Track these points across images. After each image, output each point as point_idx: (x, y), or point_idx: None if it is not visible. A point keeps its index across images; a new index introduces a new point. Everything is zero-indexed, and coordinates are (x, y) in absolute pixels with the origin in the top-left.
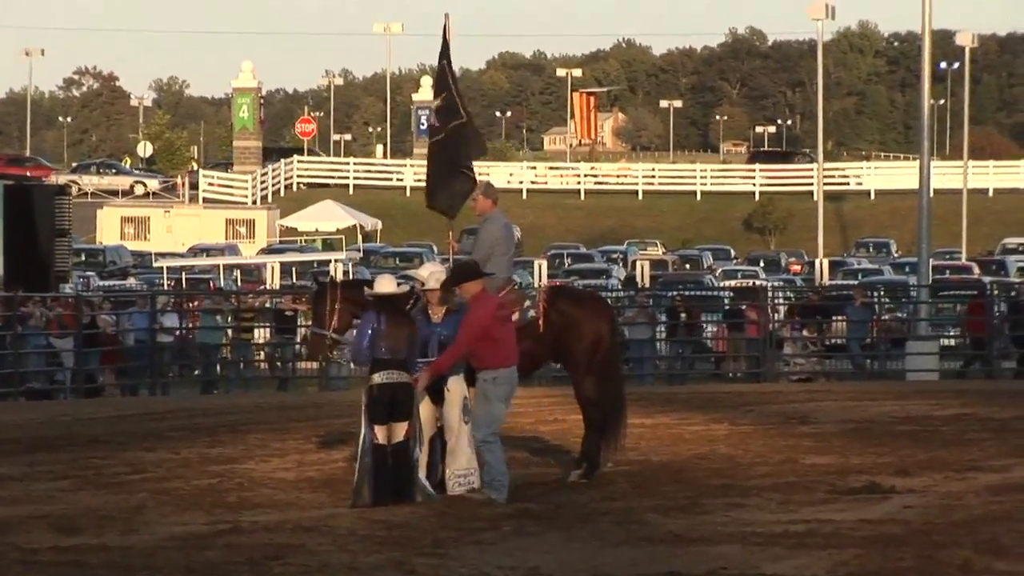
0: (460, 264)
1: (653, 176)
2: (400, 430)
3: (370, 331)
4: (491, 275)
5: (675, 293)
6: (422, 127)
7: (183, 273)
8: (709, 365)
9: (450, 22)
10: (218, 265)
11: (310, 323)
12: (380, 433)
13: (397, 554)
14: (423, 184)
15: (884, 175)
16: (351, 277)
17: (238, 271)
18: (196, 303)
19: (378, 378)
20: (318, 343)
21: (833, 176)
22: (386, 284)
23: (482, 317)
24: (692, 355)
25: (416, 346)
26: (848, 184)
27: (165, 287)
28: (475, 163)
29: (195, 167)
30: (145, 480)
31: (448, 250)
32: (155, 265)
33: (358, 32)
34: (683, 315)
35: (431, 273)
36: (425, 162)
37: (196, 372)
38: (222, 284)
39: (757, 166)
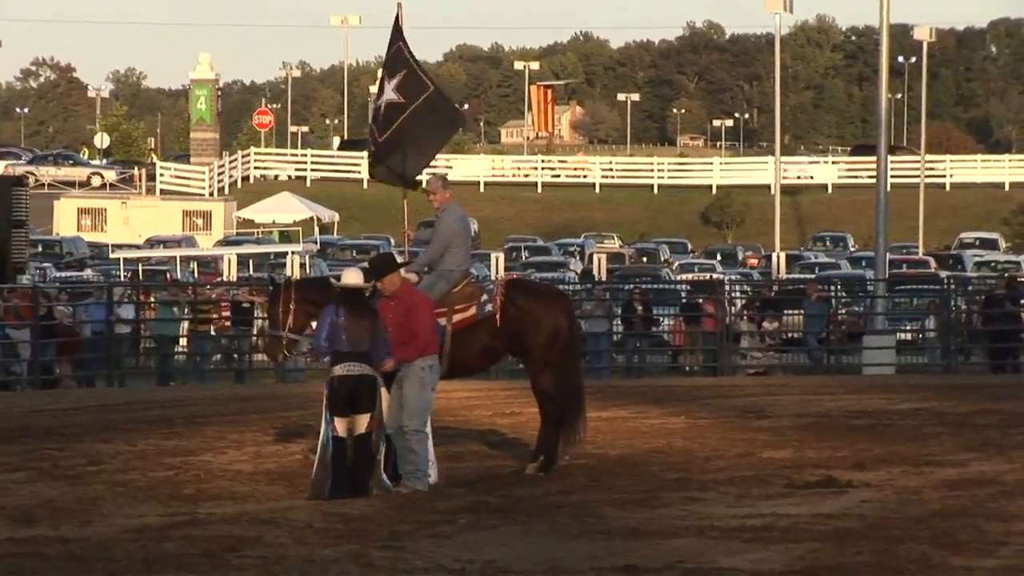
0: (377, 258)
1: (610, 169)
2: (362, 422)
3: (328, 324)
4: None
5: (632, 286)
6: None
7: (139, 265)
8: (666, 359)
9: (403, 12)
10: (174, 257)
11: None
12: (340, 426)
13: (354, 547)
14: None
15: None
16: (307, 269)
17: (195, 263)
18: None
19: (339, 370)
20: (274, 344)
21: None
22: (353, 277)
23: (429, 303)
24: (649, 348)
25: (379, 338)
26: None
27: (122, 278)
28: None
29: (154, 158)
30: (102, 472)
31: (404, 242)
32: (111, 256)
33: (316, 24)
34: (639, 308)
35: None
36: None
37: (152, 364)
38: (179, 276)
39: (716, 159)
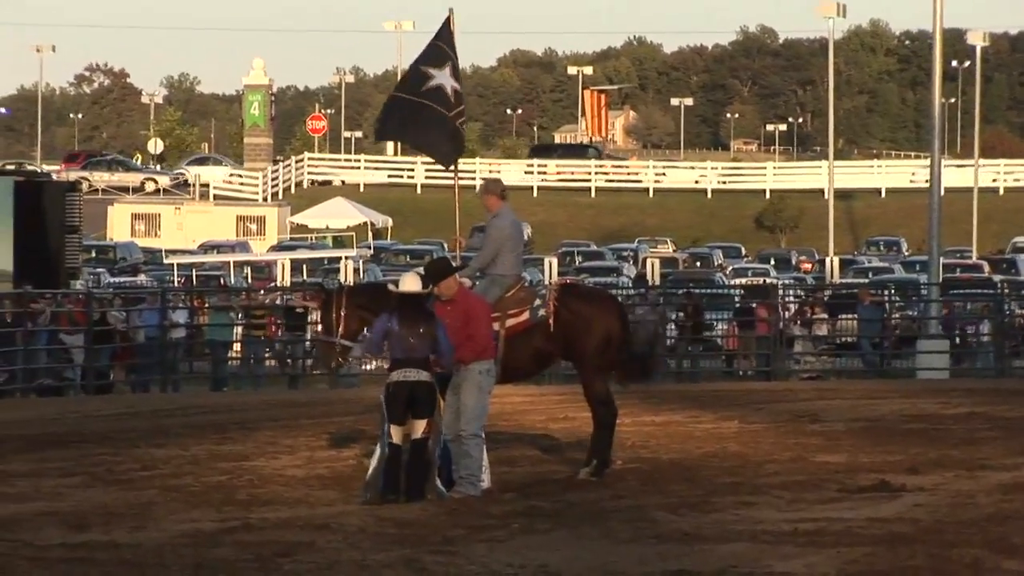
0: (433, 263)
1: (664, 174)
2: (419, 427)
3: (382, 331)
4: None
5: (682, 291)
6: None
7: (193, 270)
8: (720, 363)
9: (454, 17)
10: (228, 262)
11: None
12: (396, 433)
13: (407, 551)
14: (437, 180)
15: (895, 173)
16: (361, 274)
17: (248, 268)
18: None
19: (395, 376)
20: (327, 350)
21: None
22: (411, 282)
23: (487, 307)
24: (702, 353)
25: (442, 340)
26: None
27: (175, 284)
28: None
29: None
30: (155, 477)
31: (456, 247)
32: (165, 262)
33: (369, 29)
34: (680, 313)
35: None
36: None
37: (206, 369)
38: (232, 281)
39: (770, 164)
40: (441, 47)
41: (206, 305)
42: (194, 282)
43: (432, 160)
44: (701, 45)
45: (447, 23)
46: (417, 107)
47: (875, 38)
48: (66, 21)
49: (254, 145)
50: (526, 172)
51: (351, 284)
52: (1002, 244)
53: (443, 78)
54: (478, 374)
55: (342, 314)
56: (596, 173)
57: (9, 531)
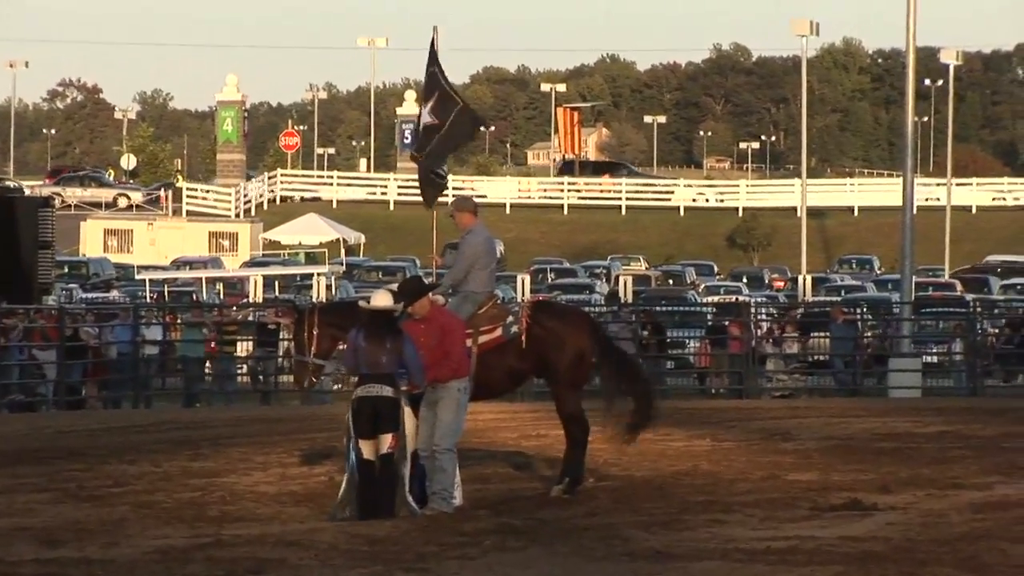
0: (407, 282)
1: (636, 191)
2: (385, 442)
3: (352, 346)
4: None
5: (642, 308)
6: (406, 141)
7: (165, 286)
8: (691, 381)
9: (438, 35)
10: (200, 278)
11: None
12: (366, 448)
13: (380, 568)
14: (410, 197)
15: (868, 191)
16: (334, 291)
17: (220, 284)
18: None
19: (359, 391)
20: (300, 369)
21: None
22: (381, 299)
23: (461, 325)
24: (672, 371)
25: (412, 357)
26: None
27: (148, 300)
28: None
29: (179, 180)
30: (127, 493)
31: (431, 264)
32: (137, 277)
33: (342, 46)
34: (644, 332)
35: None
36: (416, 175)
37: (178, 385)
38: (204, 297)
39: (743, 182)
40: (435, 75)
41: (178, 321)
42: (166, 298)
43: (414, 179)
44: (674, 63)
45: (432, 43)
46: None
47: (848, 56)
48: (39, 37)
49: (227, 161)
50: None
51: (322, 302)
52: (974, 262)
53: (425, 115)
54: (457, 391)
55: (314, 333)
56: (568, 191)
57: None
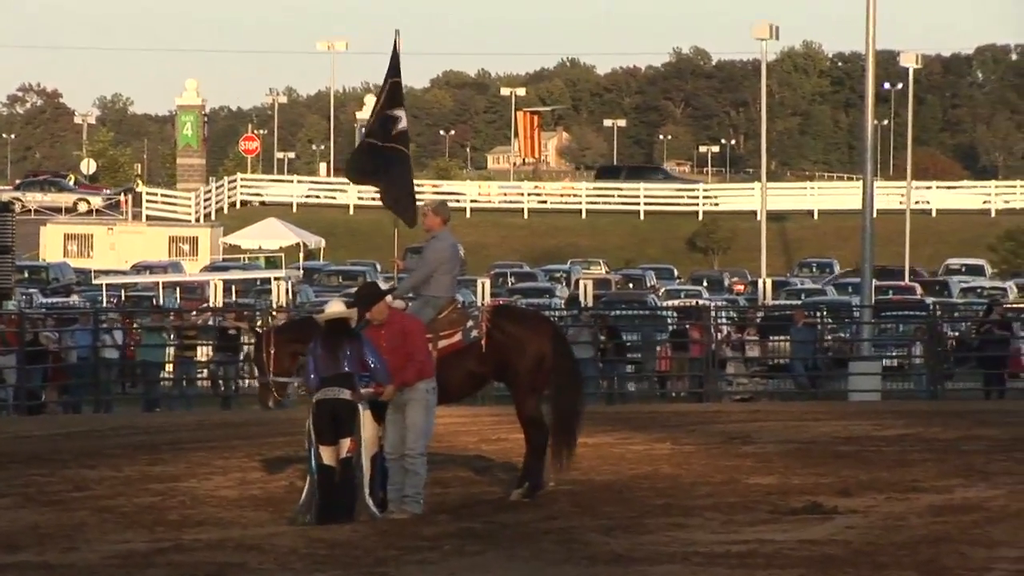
0: (363, 288)
1: (597, 195)
2: (344, 446)
3: (311, 359)
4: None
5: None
6: None
7: (123, 291)
8: (648, 385)
9: (400, 40)
10: (158, 282)
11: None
12: (326, 453)
13: (339, 573)
14: (369, 202)
15: (828, 195)
16: (293, 296)
17: (179, 288)
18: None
19: (318, 395)
20: (263, 390)
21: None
22: (334, 307)
23: (422, 327)
24: (631, 375)
25: (374, 359)
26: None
27: (105, 304)
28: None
29: (139, 184)
30: (87, 498)
31: (392, 268)
32: (95, 282)
33: (302, 50)
34: (602, 337)
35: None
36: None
37: (138, 390)
38: (162, 302)
39: (701, 185)
40: (397, 86)
41: (135, 326)
42: (123, 302)
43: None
44: (634, 67)
45: (395, 47)
46: (389, 155)
47: (808, 60)
48: None
49: (187, 165)
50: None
51: (280, 323)
52: (934, 266)
53: (404, 119)
54: (424, 392)
55: (271, 352)
56: (529, 195)
57: None
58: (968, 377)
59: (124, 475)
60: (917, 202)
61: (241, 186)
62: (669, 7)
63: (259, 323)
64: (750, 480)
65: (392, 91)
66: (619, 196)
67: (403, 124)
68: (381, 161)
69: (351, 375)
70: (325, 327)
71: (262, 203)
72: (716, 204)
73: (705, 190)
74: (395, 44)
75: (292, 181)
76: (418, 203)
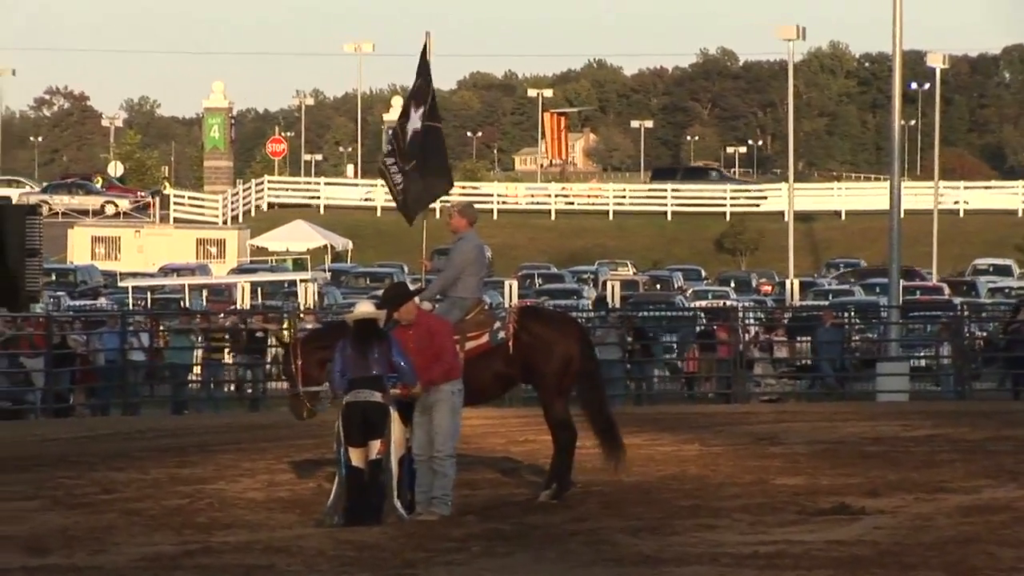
0: (391, 288)
1: (624, 196)
2: (373, 448)
3: (339, 359)
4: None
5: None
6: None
7: (148, 293)
8: (677, 386)
9: (431, 41)
10: (184, 284)
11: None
12: (355, 455)
13: (366, 575)
14: (395, 202)
15: (855, 195)
16: (320, 297)
17: (205, 291)
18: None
19: (348, 397)
20: (296, 403)
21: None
22: (363, 308)
23: (449, 328)
24: (659, 376)
25: (402, 360)
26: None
27: (131, 307)
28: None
29: (166, 187)
30: (115, 500)
31: (420, 270)
32: (120, 285)
33: (329, 52)
34: (629, 338)
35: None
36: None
37: (166, 392)
38: (189, 304)
39: (728, 186)
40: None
41: (160, 328)
42: (150, 305)
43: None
44: (661, 67)
45: (424, 49)
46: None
47: (835, 60)
48: (26, 44)
49: (214, 168)
50: (648, 196)
51: (305, 333)
52: (962, 266)
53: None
54: (450, 394)
55: (298, 364)
56: (556, 196)
57: None
58: (995, 377)
59: (152, 477)
60: (956, 202)
61: (268, 189)
62: (696, 8)
63: (285, 326)
64: (778, 481)
65: (417, 92)
66: (647, 197)
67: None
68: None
69: (380, 377)
70: (354, 327)
71: (289, 205)
72: (757, 205)
73: (735, 190)
74: (425, 47)
75: (319, 184)
76: (434, 205)
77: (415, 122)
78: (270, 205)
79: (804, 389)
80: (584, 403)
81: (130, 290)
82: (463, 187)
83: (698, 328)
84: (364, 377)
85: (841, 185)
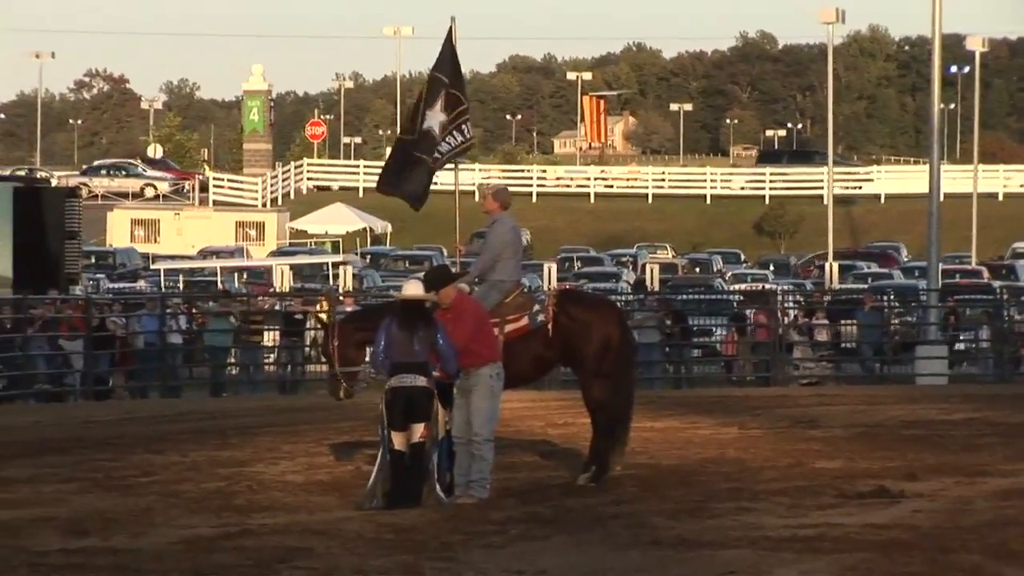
0: (433, 270)
1: (663, 180)
2: (416, 431)
3: (384, 336)
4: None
5: (661, 298)
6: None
7: (181, 276)
8: (717, 369)
9: (455, 28)
10: (216, 267)
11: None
12: (397, 439)
13: (406, 558)
14: (436, 186)
15: (894, 179)
16: (358, 281)
17: (243, 273)
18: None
19: (393, 381)
20: (334, 383)
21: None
22: (413, 288)
23: (485, 312)
24: (697, 359)
25: (444, 346)
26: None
27: (163, 289)
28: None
29: (206, 169)
30: (154, 483)
31: (456, 253)
32: (152, 267)
33: (368, 35)
34: (668, 321)
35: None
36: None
37: (205, 375)
38: (224, 286)
39: (768, 168)
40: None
41: (193, 311)
42: (182, 287)
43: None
44: (700, 51)
45: (448, 36)
46: (414, 160)
47: (874, 44)
48: (65, 27)
49: (253, 151)
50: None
51: (345, 314)
52: (1002, 250)
53: (433, 117)
54: (488, 377)
55: (335, 344)
56: (595, 179)
57: (8, 537)
58: None
59: (191, 460)
60: (1006, 184)
61: (308, 171)
62: None
63: (320, 307)
64: (817, 464)
65: (432, 87)
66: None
67: (428, 124)
68: (406, 166)
69: (425, 363)
70: (401, 307)
71: (328, 188)
72: (860, 187)
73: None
74: (449, 33)
75: (359, 166)
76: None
77: (432, 119)
78: (310, 188)
79: (843, 372)
80: (613, 386)
81: (162, 273)
82: (504, 169)
83: (734, 310)
84: (409, 363)
85: (880, 168)
